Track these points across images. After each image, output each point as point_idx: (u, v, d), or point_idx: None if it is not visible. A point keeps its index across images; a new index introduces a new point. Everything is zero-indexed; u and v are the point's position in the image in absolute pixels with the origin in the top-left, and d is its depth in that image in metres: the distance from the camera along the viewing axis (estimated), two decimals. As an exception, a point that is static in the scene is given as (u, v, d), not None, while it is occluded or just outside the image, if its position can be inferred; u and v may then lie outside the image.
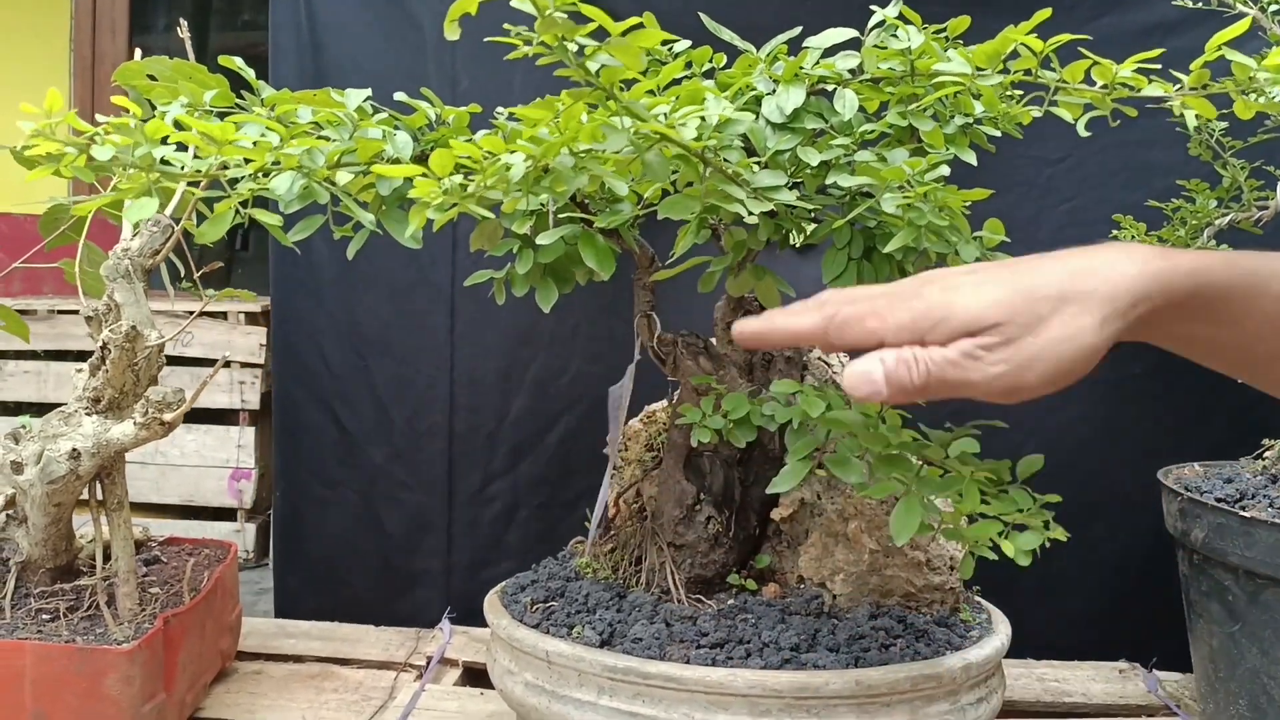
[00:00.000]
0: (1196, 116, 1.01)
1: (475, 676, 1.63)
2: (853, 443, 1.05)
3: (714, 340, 1.29)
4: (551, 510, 1.91)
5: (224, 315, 2.77)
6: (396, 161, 0.99)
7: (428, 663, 1.63)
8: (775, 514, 1.31)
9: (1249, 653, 1.23)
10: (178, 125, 0.95)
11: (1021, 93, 1.09)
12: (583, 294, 1.86)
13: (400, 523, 1.93)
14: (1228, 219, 1.46)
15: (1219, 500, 1.25)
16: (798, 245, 1.19)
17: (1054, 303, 0.61)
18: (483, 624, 1.88)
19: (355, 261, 1.93)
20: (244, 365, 2.75)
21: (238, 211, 0.95)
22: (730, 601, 1.27)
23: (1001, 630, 1.27)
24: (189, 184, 1.07)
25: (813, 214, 1.11)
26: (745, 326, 0.71)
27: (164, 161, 0.92)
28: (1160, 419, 1.74)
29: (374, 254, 1.87)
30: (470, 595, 1.87)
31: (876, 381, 0.63)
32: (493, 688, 1.45)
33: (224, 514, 2.82)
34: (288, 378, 1.93)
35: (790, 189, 1.03)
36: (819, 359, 1.42)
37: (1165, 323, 0.64)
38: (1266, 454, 1.35)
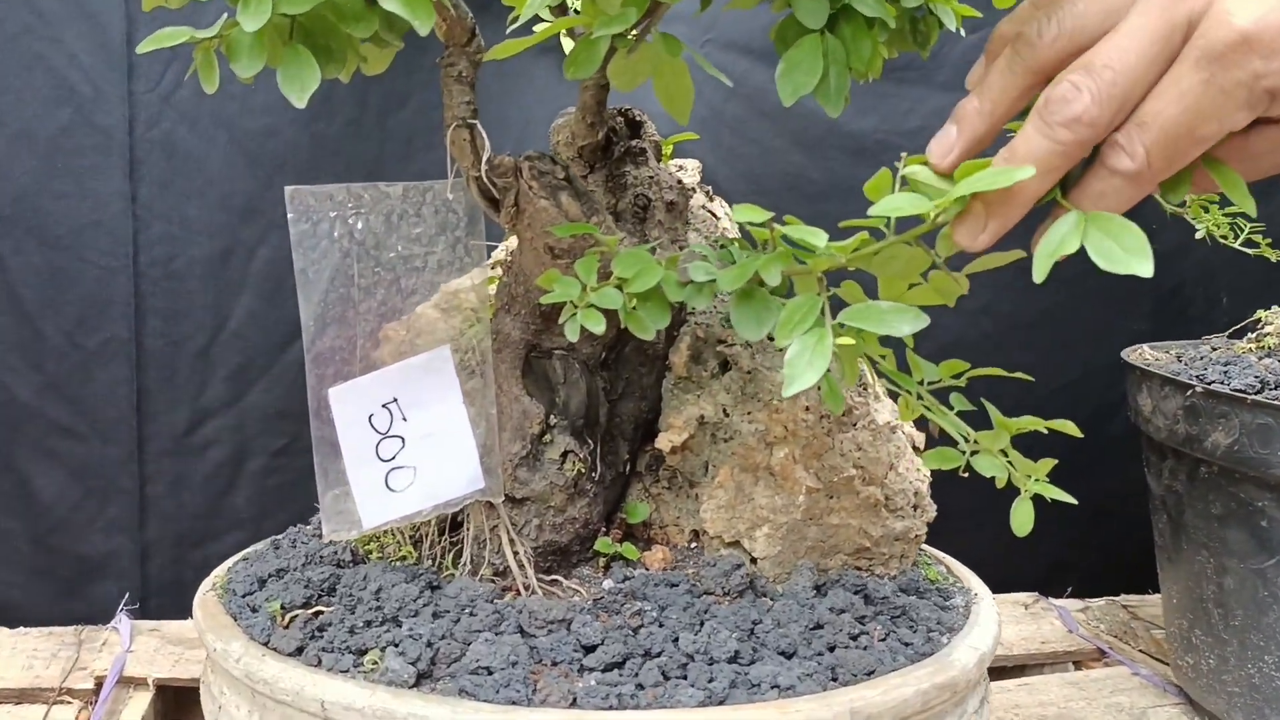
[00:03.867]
0: None
1: (178, 701, 1.09)
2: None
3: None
4: (297, 456, 1.36)
5: None
6: None
7: (98, 687, 1.07)
8: (662, 441, 0.86)
9: (1289, 595, 0.92)
10: None
11: None
12: (342, 104, 1.29)
13: (63, 487, 1.30)
14: None
15: (1240, 392, 0.92)
16: None
17: None
18: (158, 582, 1.35)
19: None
20: None
21: None
22: (606, 583, 0.82)
23: (982, 590, 0.90)
24: None
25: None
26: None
27: None
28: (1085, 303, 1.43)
29: (1, 80, 1.24)
30: (180, 588, 1.30)
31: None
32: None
33: None
34: None
35: None
36: (704, 208, 0.97)
37: None
38: (1268, 329, 1.04)
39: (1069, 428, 0.66)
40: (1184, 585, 1.03)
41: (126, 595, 1.26)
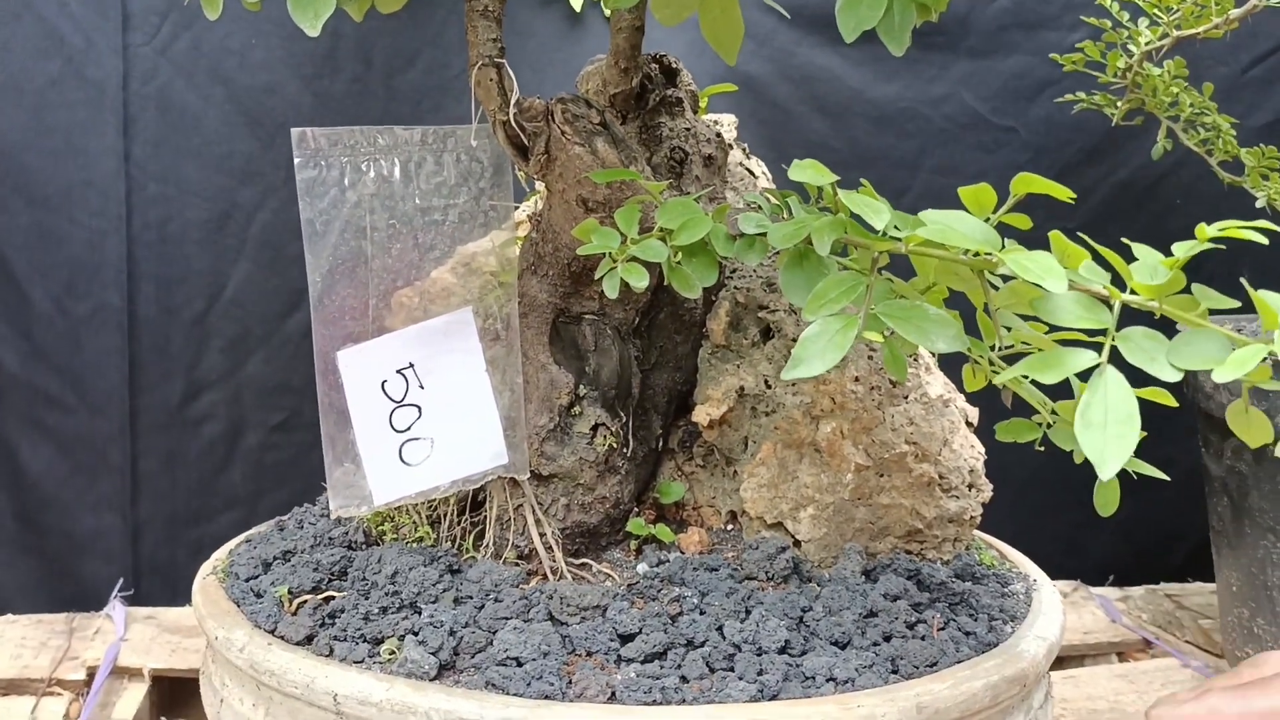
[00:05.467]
0: None
1: (174, 693, 1.03)
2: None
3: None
4: (296, 432, 1.29)
5: None
6: None
7: (90, 677, 1.01)
8: (699, 414, 0.80)
9: (1367, 582, 0.86)
10: None
11: None
12: (347, 61, 1.22)
13: (51, 461, 1.24)
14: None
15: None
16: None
17: None
18: (150, 563, 1.29)
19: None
20: None
21: None
22: (641, 567, 0.76)
23: (1041, 577, 0.83)
24: None
25: None
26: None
27: None
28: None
29: None
30: (173, 570, 1.23)
31: None
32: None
33: None
34: None
35: None
36: (741, 165, 0.90)
37: None
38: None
39: (1163, 397, 0.59)
40: (1246, 572, 0.97)
41: (121, 581, 1.20)
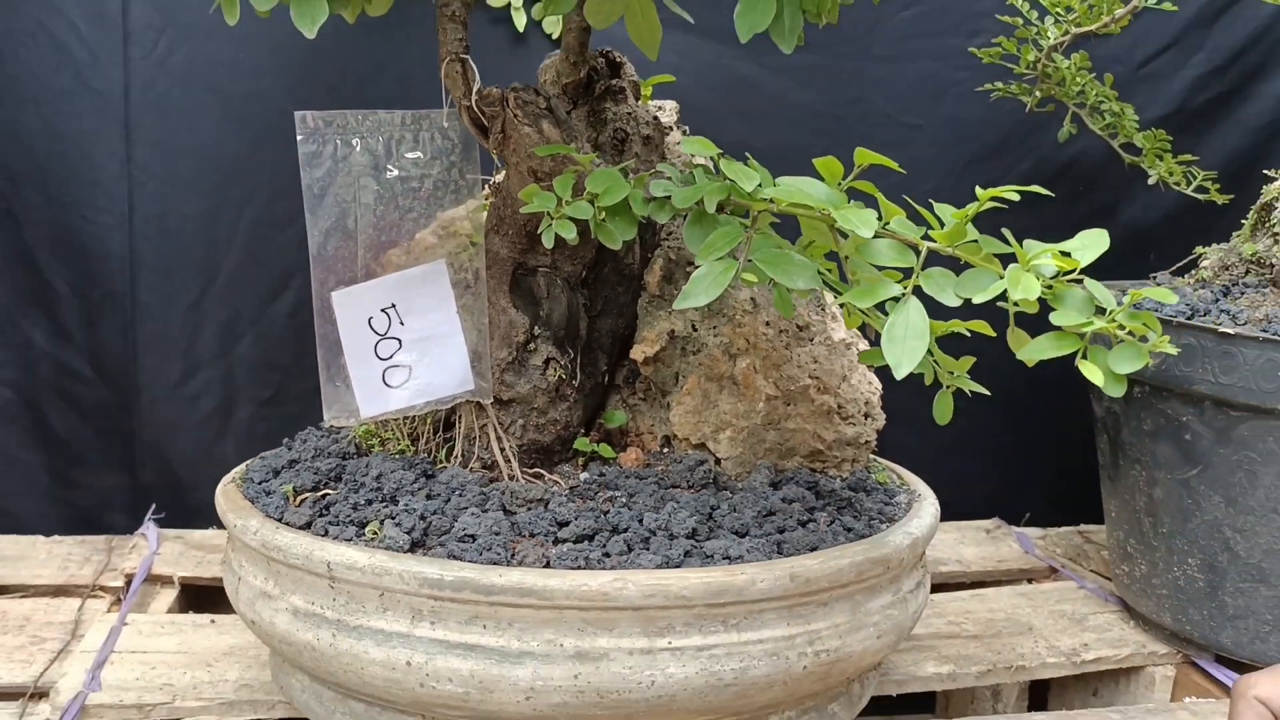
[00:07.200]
0: None
1: (199, 597, 1.20)
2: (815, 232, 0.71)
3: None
4: (283, 406, 1.43)
5: None
6: None
7: (127, 584, 1.18)
8: (636, 352, 0.95)
9: (1208, 502, 1.01)
10: None
11: None
12: (323, 72, 1.36)
13: (75, 426, 1.40)
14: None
15: (1168, 318, 1.01)
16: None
17: None
18: (203, 524, 1.45)
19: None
20: None
21: None
22: (583, 475, 0.91)
23: (926, 492, 0.99)
24: None
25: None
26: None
27: None
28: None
29: (4, 47, 1.29)
30: (182, 519, 1.38)
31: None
32: (228, 610, 1.03)
33: None
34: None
35: None
36: (678, 145, 1.05)
37: None
38: (1203, 264, 1.13)
39: (983, 327, 0.74)
40: (1121, 499, 1.12)
41: (153, 506, 1.36)
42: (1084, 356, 0.60)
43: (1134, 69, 1.40)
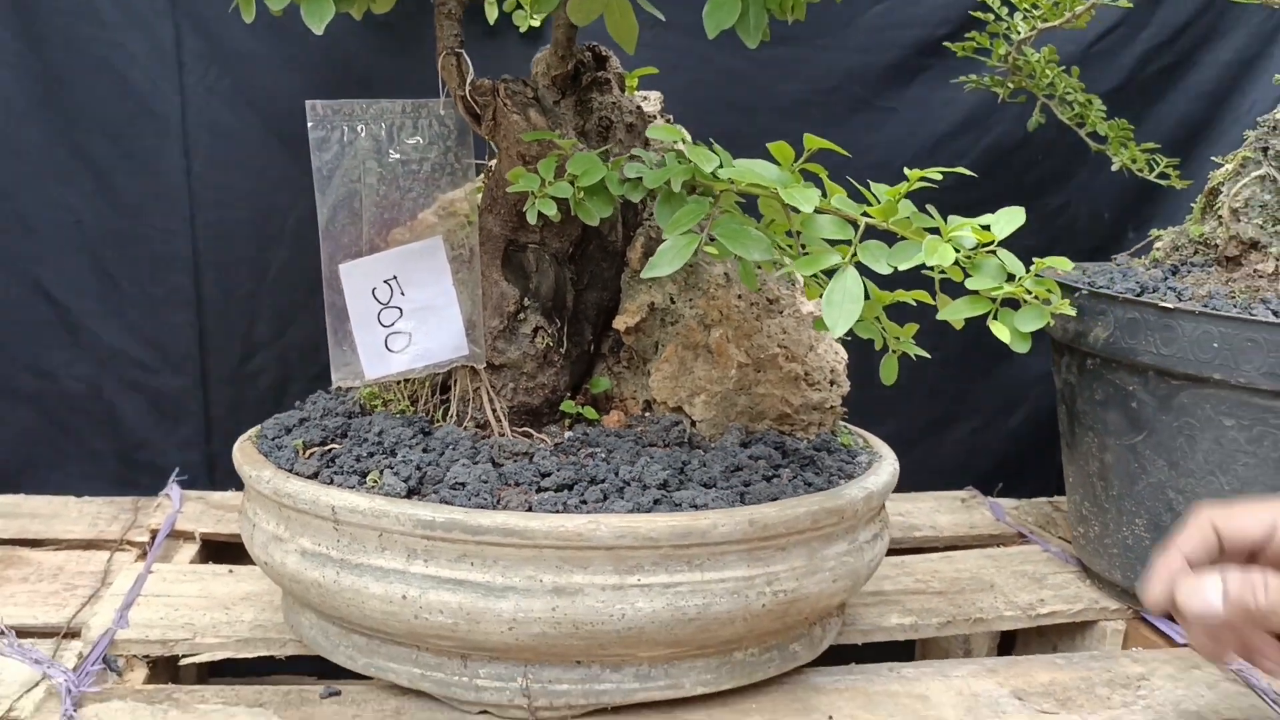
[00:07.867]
0: None
1: (218, 551, 1.29)
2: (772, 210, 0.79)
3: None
4: (330, 381, 1.54)
5: None
6: None
7: (152, 538, 1.27)
8: (618, 322, 1.03)
9: (1153, 465, 1.08)
10: None
11: None
12: (341, 85, 1.48)
13: (142, 413, 1.53)
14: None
15: (1117, 293, 1.08)
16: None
17: None
18: (223, 487, 1.56)
19: (52, 90, 1.46)
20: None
21: None
22: (568, 434, 1.00)
23: (888, 454, 1.06)
24: None
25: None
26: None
27: None
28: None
29: (76, 80, 1.43)
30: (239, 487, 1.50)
31: (1212, 602, 0.65)
32: (245, 562, 1.12)
33: None
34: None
35: None
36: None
37: None
38: (1157, 246, 1.20)
39: (923, 296, 0.82)
40: (1078, 465, 1.20)
41: (177, 469, 1.46)
42: (994, 318, 0.68)
43: (1086, 47, 1.50)
